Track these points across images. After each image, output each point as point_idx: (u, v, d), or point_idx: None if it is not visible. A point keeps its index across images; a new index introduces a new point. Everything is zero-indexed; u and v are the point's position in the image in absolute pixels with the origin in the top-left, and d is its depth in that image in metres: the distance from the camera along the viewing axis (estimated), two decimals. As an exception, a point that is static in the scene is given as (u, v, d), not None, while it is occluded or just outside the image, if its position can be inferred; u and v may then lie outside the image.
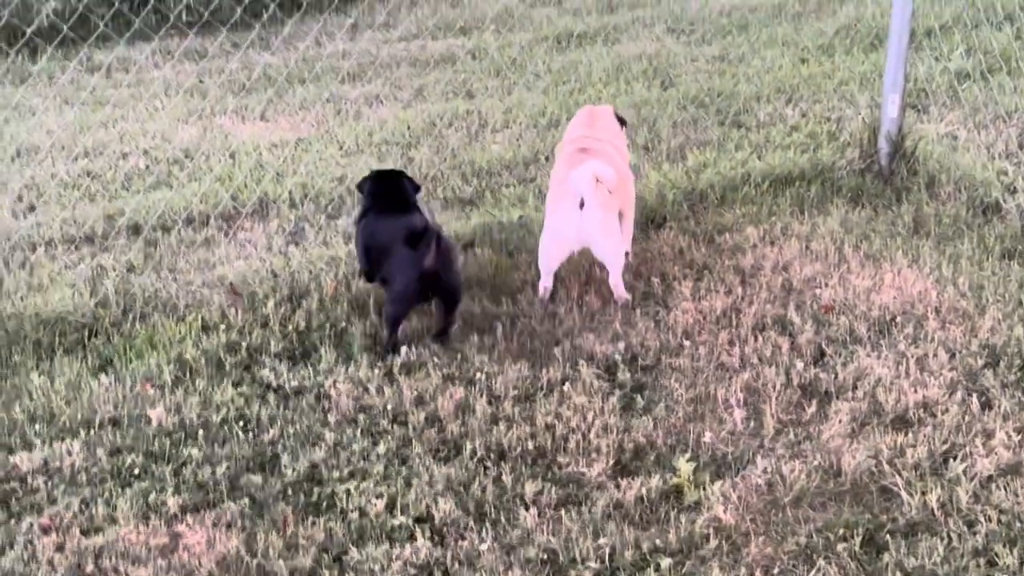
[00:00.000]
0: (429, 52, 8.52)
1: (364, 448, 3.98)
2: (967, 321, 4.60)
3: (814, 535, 3.53)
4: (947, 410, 4.05)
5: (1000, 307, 4.69)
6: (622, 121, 5.44)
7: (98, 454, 3.95)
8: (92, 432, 4.08)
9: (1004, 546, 3.41)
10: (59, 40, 6.87)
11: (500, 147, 6.69)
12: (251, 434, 4.09)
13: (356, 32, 9.09)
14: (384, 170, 5.18)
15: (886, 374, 4.28)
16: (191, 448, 3.98)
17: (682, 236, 5.46)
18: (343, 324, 4.76)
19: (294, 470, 3.87)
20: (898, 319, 4.65)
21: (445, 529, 3.60)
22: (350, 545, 3.52)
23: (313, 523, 3.62)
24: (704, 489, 3.72)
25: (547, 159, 6.40)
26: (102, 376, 4.43)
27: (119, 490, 3.78)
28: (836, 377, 4.30)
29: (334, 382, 4.36)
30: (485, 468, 3.87)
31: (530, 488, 3.74)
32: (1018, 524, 3.52)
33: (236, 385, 4.38)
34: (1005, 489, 3.65)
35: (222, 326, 4.76)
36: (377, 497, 3.71)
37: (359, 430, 4.09)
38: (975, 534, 3.48)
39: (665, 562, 3.42)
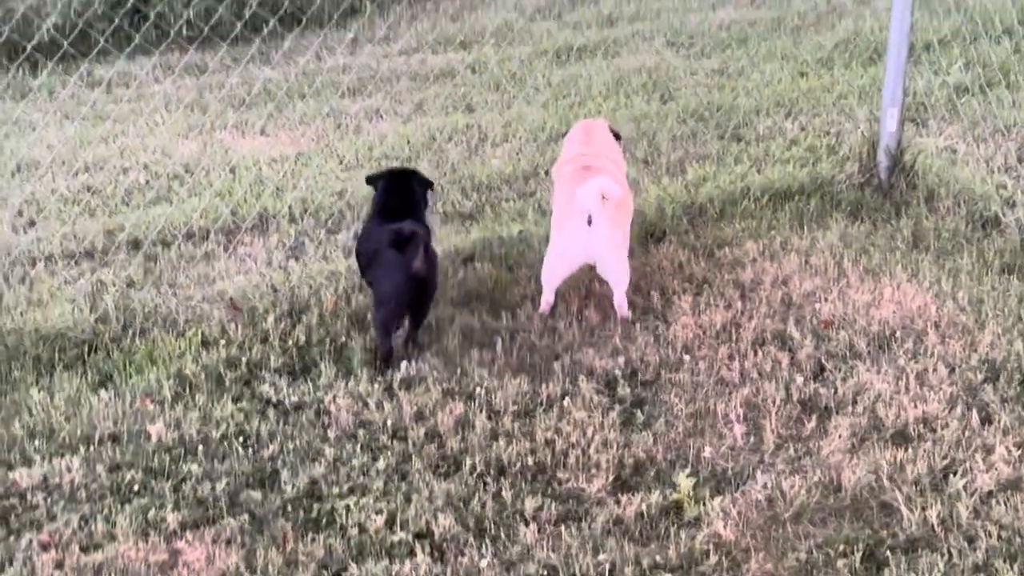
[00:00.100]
0: (429, 66, 8.54)
1: (364, 464, 3.98)
2: (967, 336, 4.60)
3: (814, 551, 3.52)
4: (947, 425, 4.05)
5: (1000, 321, 4.69)
6: (617, 135, 5.45)
7: (97, 470, 3.95)
8: (92, 448, 4.08)
9: (1004, 562, 3.41)
10: (60, 55, 6.88)
11: (500, 161, 6.70)
12: (251, 450, 4.08)
13: (356, 46, 9.10)
14: (396, 170, 5.23)
15: (886, 389, 4.28)
16: (191, 464, 3.98)
17: (682, 250, 5.46)
18: (343, 339, 4.76)
19: (294, 486, 3.86)
20: (898, 334, 4.65)
21: (445, 545, 3.60)
22: (350, 561, 3.52)
23: (313, 539, 3.61)
24: (704, 505, 3.72)
25: (547, 173, 6.40)
26: (102, 392, 4.43)
27: (118, 506, 3.77)
28: (836, 392, 4.30)
29: (334, 397, 4.36)
30: (485, 484, 3.87)
31: (530, 504, 3.74)
32: (1018, 540, 3.52)
33: (236, 400, 4.38)
34: (1005, 504, 3.65)
35: (222, 341, 4.76)
36: (377, 513, 3.71)
37: (359, 445, 4.09)
38: (975, 550, 3.48)
39: (665, 578, 3.42)
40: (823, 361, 4.51)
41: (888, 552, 3.49)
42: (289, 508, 3.77)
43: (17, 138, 7.22)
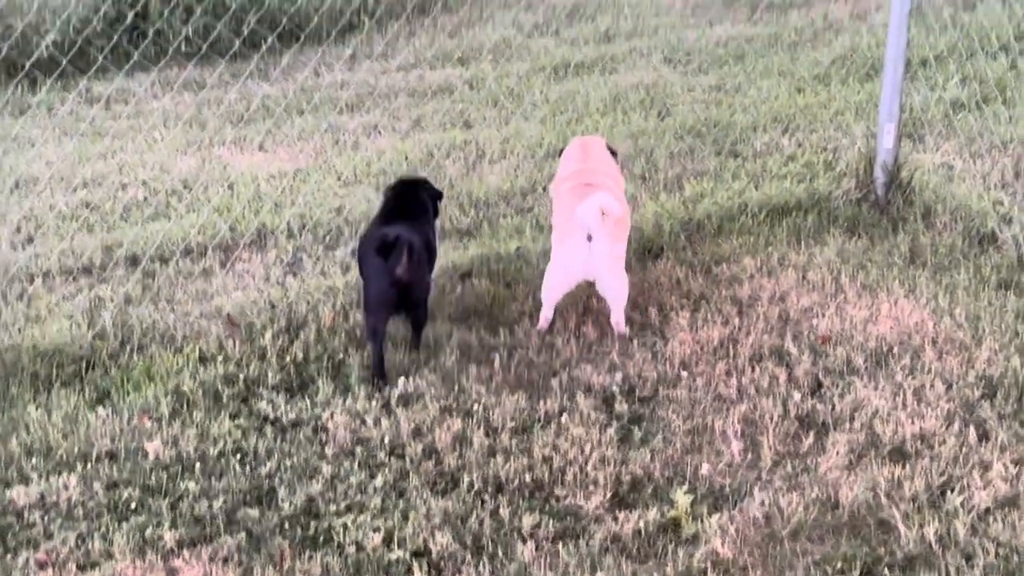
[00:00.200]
0: (427, 82, 8.56)
1: (361, 481, 3.98)
2: (964, 352, 4.61)
3: (812, 568, 3.52)
4: (944, 442, 4.06)
5: (997, 338, 4.70)
6: (613, 152, 5.47)
7: (95, 488, 3.94)
8: (89, 466, 4.07)
9: (1002, 579, 3.41)
10: (59, 72, 6.89)
11: (497, 177, 6.71)
12: (248, 467, 4.08)
13: (354, 62, 9.12)
14: (407, 179, 5.31)
15: (883, 405, 4.28)
16: (188, 481, 3.98)
17: (679, 266, 5.47)
18: (341, 355, 4.77)
19: (291, 503, 3.86)
20: (895, 350, 4.66)
21: (442, 563, 3.60)
22: (347, 579, 3.52)
23: (310, 557, 3.61)
24: (702, 522, 3.72)
25: (545, 189, 6.42)
26: (99, 409, 4.42)
27: (115, 524, 3.77)
28: (833, 408, 4.31)
29: (331, 414, 4.36)
30: (482, 501, 3.87)
31: (527, 521, 3.74)
32: (1016, 557, 3.52)
33: (233, 417, 4.38)
34: (1003, 522, 3.65)
35: (219, 358, 4.76)
36: (374, 531, 3.71)
37: (356, 463, 4.09)
38: (973, 567, 3.48)
39: (663, 596, 3.42)
40: (820, 377, 4.52)
41: (886, 570, 3.49)
42: (286, 526, 3.77)
43: (16, 154, 7.23)
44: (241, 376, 4.62)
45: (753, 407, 4.34)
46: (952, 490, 3.81)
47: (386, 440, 4.20)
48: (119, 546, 3.65)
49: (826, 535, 3.68)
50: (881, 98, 6.04)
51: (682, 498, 3.76)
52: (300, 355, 4.77)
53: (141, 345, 4.88)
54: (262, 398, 4.49)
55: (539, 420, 4.31)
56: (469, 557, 3.60)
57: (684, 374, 4.58)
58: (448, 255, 5.65)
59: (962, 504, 3.74)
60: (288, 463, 4.09)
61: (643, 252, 5.63)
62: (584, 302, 5.11)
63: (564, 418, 4.29)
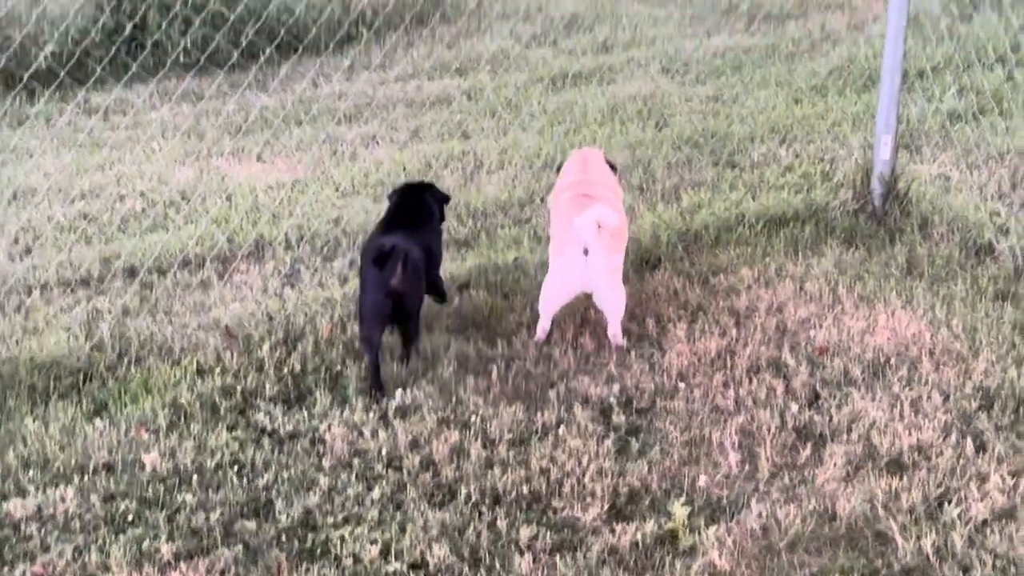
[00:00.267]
0: (425, 93, 8.57)
1: (359, 493, 3.98)
2: (961, 363, 4.61)
3: (809, 581, 3.52)
4: (941, 453, 4.06)
5: (994, 349, 4.70)
6: (612, 167, 5.48)
7: (92, 500, 3.94)
8: (86, 478, 4.07)
9: (1000, 591, 3.41)
10: (57, 84, 6.90)
11: (495, 188, 6.72)
12: (245, 479, 4.08)
13: (353, 73, 9.14)
14: (412, 183, 5.31)
15: (880, 416, 4.28)
16: (185, 494, 3.97)
17: (676, 277, 5.48)
18: (338, 367, 4.77)
19: (288, 516, 3.86)
20: (892, 361, 4.66)
21: (440, 575, 3.59)
22: (344, 592, 3.52)
23: (307, 570, 3.61)
24: (699, 534, 3.71)
25: (543, 200, 6.42)
26: (97, 421, 4.42)
27: (112, 537, 3.76)
28: (830, 420, 4.31)
29: (329, 426, 4.36)
30: (480, 513, 3.86)
31: (525, 533, 3.73)
32: (1013, 569, 3.52)
33: (231, 429, 4.37)
34: (1000, 533, 3.65)
35: (217, 370, 4.76)
36: (371, 543, 3.71)
37: (354, 475, 4.09)
38: (970, 579, 3.48)
39: (660, 609, 3.42)
40: (818, 388, 4.52)
41: (883, 582, 3.49)
42: (284, 538, 3.77)
43: (14, 166, 7.23)
44: (238, 388, 4.62)
45: (750, 419, 4.34)
46: (949, 502, 3.81)
47: (383, 452, 4.20)
48: (116, 559, 3.65)
49: (823, 547, 3.68)
50: (878, 109, 6.05)
51: (679, 510, 3.76)
52: (297, 367, 4.77)
53: (139, 357, 4.88)
54: (259, 410, 4.49)
55: (536, 432, 4.31)
56: (466, 569, 3.60)
57: (681, 385, 4.58)
58: (446, 266, 5.64)
59: (959, 516, 3.74)
60: (285, 475, 4.09)
61: (640, 263, 5.63)
62: (582, 313, 5.11)
63: (562, 430, 4.29)
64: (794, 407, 4.38)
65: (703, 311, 5.14)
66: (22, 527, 3.83)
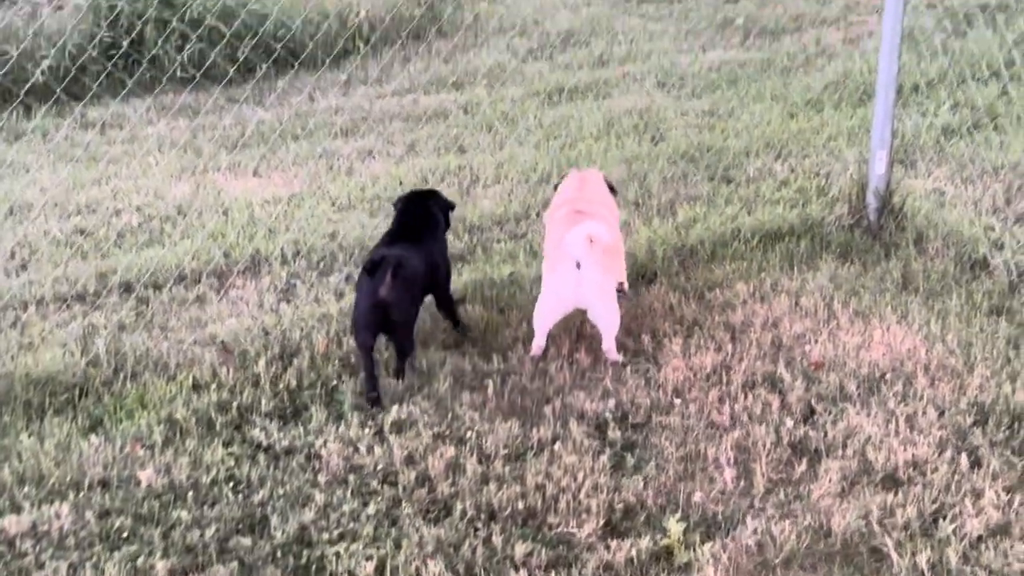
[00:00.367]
0: (422, 107, 8.60)
1: (354, 509, 3.97)
2: (956, 378, 4.62)
3: (805, 597, 3.52)
4: (936, 469, 4.06)
5: (988, 364, 4.71)
6: (612, 189, 5.50)
7: (87, 517, 3.93)
8: (81, 494, 4.07)
9: (995, 608, 3.41)
10: (54, 99, 6.91)
11: (491, 202, 6.73)
12: (241, 495, 4.07)
13: (349, 87, 9.17)
14: (417, 192, 5.33)
15: (876, 432, 4.29)
16: (180, 510, 3.97)
17: (672, 292, 5.49)
18: (334, 382, 4.77)
19: (283, 532, 3.85)
20: (887, 376, 4.67)
21: (435, 592, 3.59)
22: (339, 609, 3.51)
23: (302, 586, 3.61)
24: (694, 550, 3.71)
25: (538, 215, 6.44)
26: (92, 437, 4.42)
27: (107, 554, 3.76)
28: (826, 435, 4.31)
29: (324, 441, 4.35)
30: (475, 529, 3.86)
31: (520, 549, 3.73)
32: (1008, 585, 3.52)
33: (226, 445, 4.37)
34: (995, 550, 3.65)
35: (213, 385, 4.76)
36: (367, 559, 3.70)
37: (349, 490, 4.08)
38: (965, 595, 3.48)
39: (655, 625, 3.41)
40: (813, 404, 4.52)
41: (878, 598, 3.49)
42: (279, 554, 3.76)
43: (10, 180, 7.25)
44: (234, 403, 4.62)
45: (746, 434, 4.34)
46: (944, 518, 3.81)
47: (379, 467, 4.20)
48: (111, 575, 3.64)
49: (819, 563, 3.67)
50: (873, 124, 6.06)
51: (675, 526, 3.76)
52: (293, 382, 4.77)
53: (134, 373, 4.88)
54: (255, 425, 4.49)
55: (532, 447, 4.31)
56: (462, 586, 3.60)
57: (677, 401, 4.59)
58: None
59: (954, 532, 3.74)
60: (281, 491, 4.08)
61: (636, 278, 5.64)
62: (577, 328, 5.12)
63: (557, 445, 4.29)
64: (789, 422, 4.38)
65: (699, 326, 5.15)
66: (17, 544, 3.82)
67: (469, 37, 10.31)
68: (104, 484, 4.15)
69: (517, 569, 3.66)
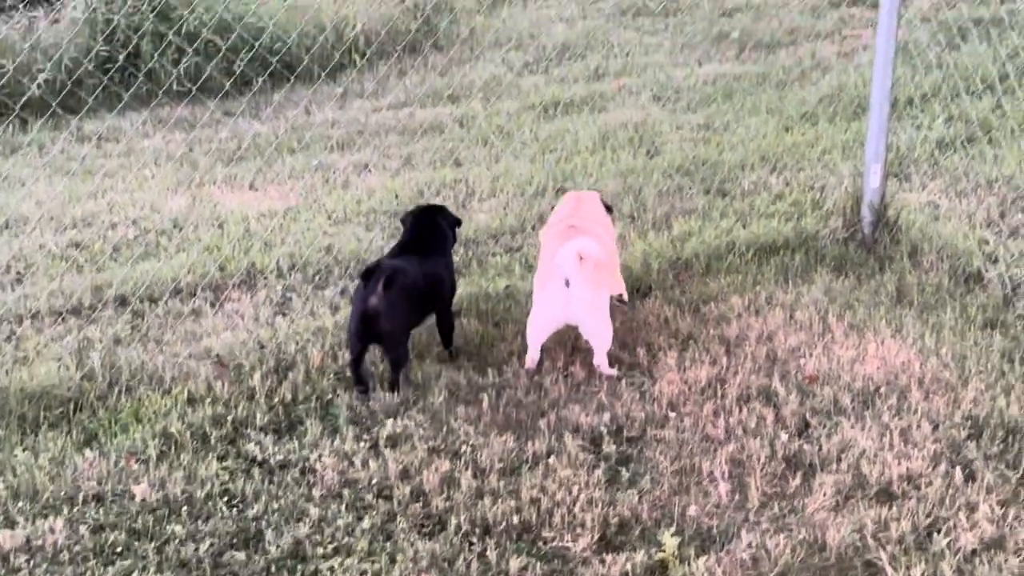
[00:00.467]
0: (417, 120, 8.61)
1: (349, 523, 3.97)
2: (950, 392, 4.62)
3: (799, 611, 3.52)
4: (931, 483, 4.06)
5: (983, 378, 4.71)
6: (608, 208, 5.51)
7: (81, 532, 3.93)
8: (75, 509, 4.06)
9: (989, 622, 3.41)
10: (50, 112, 6.92)
11: (487, 216, 6.74)
12: (235, 510, 4.07)
13: (345, 101, 9.18)
14: (425, 207, 5.36)
15: (870, 446, 4.29)
16: (174, 525, 3.96)
17: (667, 306, 5.49)
18: (329, 396, 4.77)
19: (278, 547, 3.85)
20: (882, 390, 4.67)
21: (429, 607, 3.59)
22: (333, 624, 3.51)
23: (296, 601, 3.60)
24: (689, 564, 3.71)
25: (534, 228, 6.45)
26: (87, 451, 4.41)
27: (101, 569, 3.75)
28: (820, 449, 4.31)
29: (319, 455, 4.35)
30: (470, 544, 3.86)
31: (515, 564, 3.73)
32: (1003, 599, 3.52)
33: (221, 459, 4.37)
34: (989, 563, 3.65)
35: (208, 399, 4.76)
36: (361, 574, 3.70)
37: (344, 505, 4.08)
38: (960, 610, 3.48)
39: (650, 640, 3.41)
40: (808, 417, 4.53)
41: (873, 612, 3.49)
42: (273, 569, 3.76)
43: (6, 194, 7.25)
44: (229, 417, 4.62)
45: (741, 448, 4.34)
46: (939, 531, 3.81)
47: (374, 482, 4.19)
48: (105, 590, 3.64)
49: (813, 577, 3.68)
50: (867, 138, 6.08)
51: (670, 540, 3.76)
52: (288, 396, 4.77)
53: (129, 387, 4.87)
54: (250, 439, 4.49)
55: (527, 461, 4.31)
56: (456, 601, 3.60)
57: (672, 414, 4.59)
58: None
59: (948, 546, 3.74)
60: (275, 505, 4.08)
61: (631, 291, 5.64)
62: (572, 342, 5.12)
63: (552, 459, 4.29)
64: (784, 436, 4.39)
65: (693, 339, 5.15)
66: (11, 559, 3.81)
67: (465, 51, 10.34)
68: (98, 498, 4.14)
69: (512, 583, 3.66)
